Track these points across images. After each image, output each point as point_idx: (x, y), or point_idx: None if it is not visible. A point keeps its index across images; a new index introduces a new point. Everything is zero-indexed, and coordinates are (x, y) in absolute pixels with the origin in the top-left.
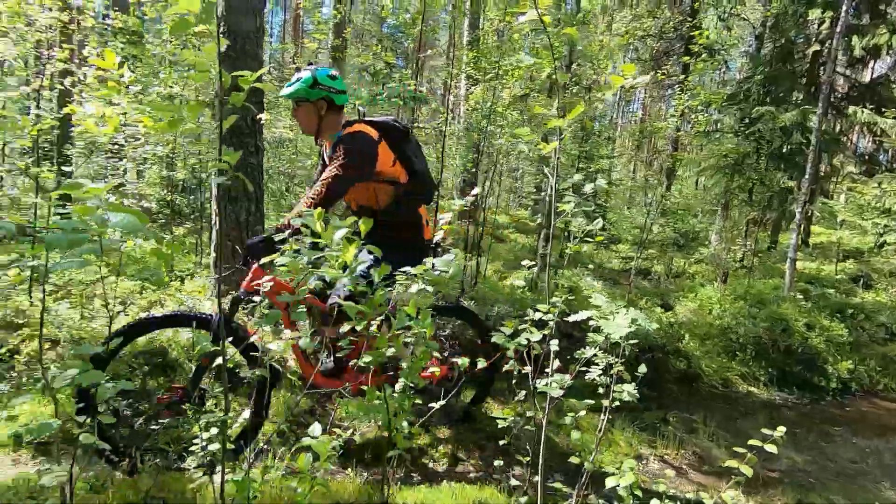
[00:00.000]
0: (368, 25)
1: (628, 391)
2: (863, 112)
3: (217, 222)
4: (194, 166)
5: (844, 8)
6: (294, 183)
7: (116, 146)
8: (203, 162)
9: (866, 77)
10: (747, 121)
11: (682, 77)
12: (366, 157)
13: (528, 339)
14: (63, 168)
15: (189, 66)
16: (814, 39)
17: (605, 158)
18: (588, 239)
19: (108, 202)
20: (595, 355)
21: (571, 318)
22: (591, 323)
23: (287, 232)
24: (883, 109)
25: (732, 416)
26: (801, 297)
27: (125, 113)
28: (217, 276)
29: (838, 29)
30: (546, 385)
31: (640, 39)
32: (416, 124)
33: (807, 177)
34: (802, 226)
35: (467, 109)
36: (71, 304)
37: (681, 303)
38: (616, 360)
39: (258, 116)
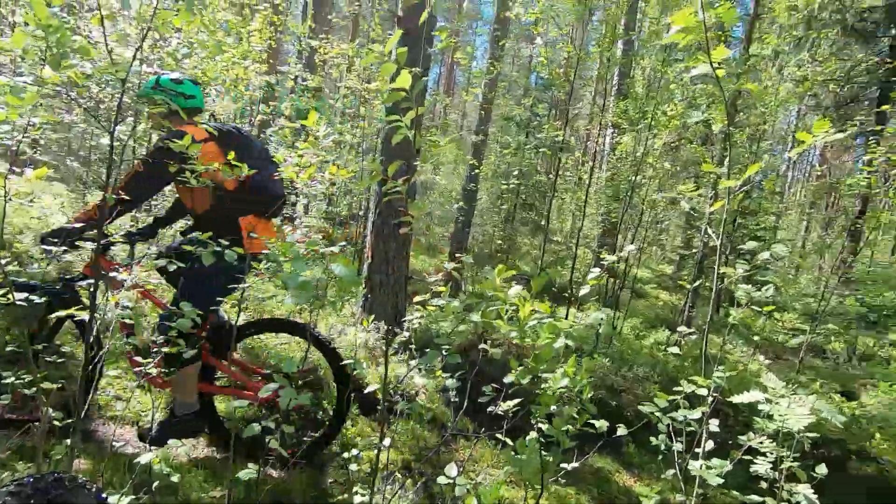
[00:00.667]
0: (516, 77)
1: (805, 495)
2: None
3: (369, 256)
4: (351, 203)
5: None
6: (434, 223)
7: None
8: (359, 198)
9: None
10: None
11: (878, 128)
12: (168, 155)
13: (685, 416)
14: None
15: (363, 117)
16: None
17: (770, 215)
18: (755, 308)
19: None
20: (761, 443)
21: (736, 399)
22: (760, 407)
23: (79, 226)
24: None
25: None
26: None
27: (325, 161)
28: (361, 305)
29: None
30: (701, 468)
31: (822, 84)
32: (560, 173)
33: None
34: None
35: (612, 158)
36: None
37: (868, 392)
38: (788, 453)
39: (413, 163)
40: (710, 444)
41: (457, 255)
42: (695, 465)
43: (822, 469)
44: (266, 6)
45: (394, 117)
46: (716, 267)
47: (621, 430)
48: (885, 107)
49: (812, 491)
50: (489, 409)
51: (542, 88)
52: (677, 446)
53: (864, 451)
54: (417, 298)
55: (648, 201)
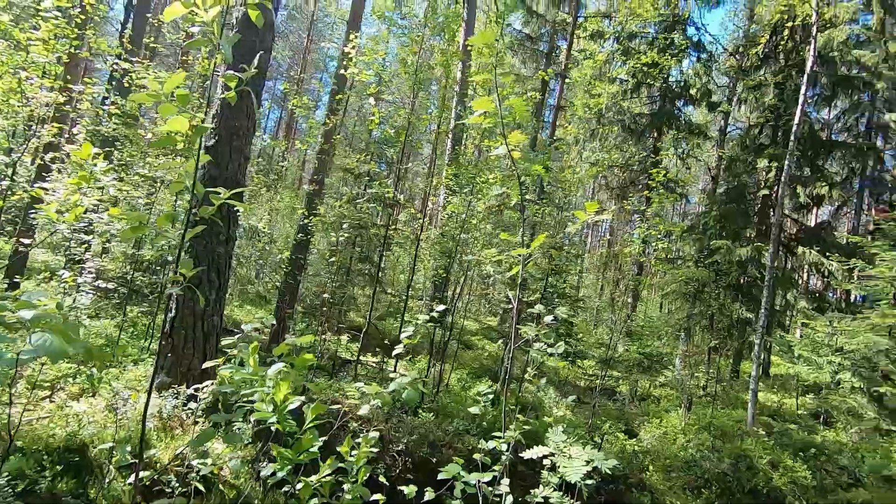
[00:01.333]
0: (358, 132)
1: None
2: (810, 253)
3: (173, 308)
4: (162, 246)
5: (787, 161)
6: (265, 271)
7: (85, 222)
8: (172, 247)
9: (812, 221)
10: (706, 252)
11: (643, 208)
12: None
13: (478, 480)
14: (22, 240)
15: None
16: (763, 184)
17: (573, 274)
18: (550, 356)
19: (37, 319)
20: (546, 498)
21: (527, 455)
22: (545, 462)
23: None
24: (827, 253)
25: None
26: (763, 432)
27: (101, 201)
28: (155, 364)
29: (783, 178)
30: None
31: (609, 169)
32: (392, 227)
33: (763, 310)
34: (763, 357)
35: (444, 217)
36: None
37: (645, 428)
38: (572, 501)
39: (235, 208)
40: (509, 501)
41: (284, 307)
42: None
43: None
44: (57, 15)
45: (204, 156)
46: (512, 326)
47: (428, 495)
48: (646, 192)
49: None
50: None
51: (379, 145)
52: None
53: (642, 482)
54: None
55: (473, 259)
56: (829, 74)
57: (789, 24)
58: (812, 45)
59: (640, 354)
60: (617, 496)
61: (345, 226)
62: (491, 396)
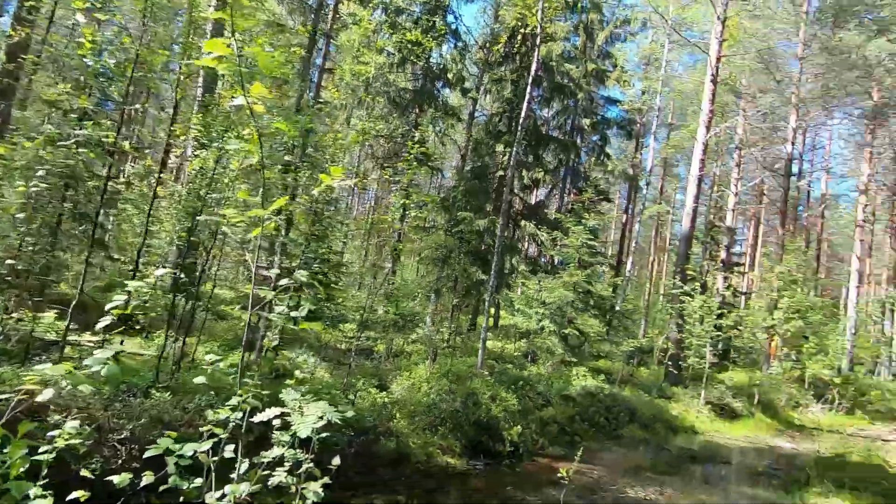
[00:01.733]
0: (68, 56)
1: (314, 490)
2: (530, 226)
3: None
4: None
5: (515, 148)
6: None
7: None
8: None
9: (533, 200)
10: (453, 222)
11: (400, 178)
12: None
13: (195, 451)
14: None
15: None
16: (500, 166)
17: (337, 240)
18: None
19: None
20: (283, 456)
21: (257, 419)
22: (275, 422)
23: None
24: (541, 226)
25: (432, 490)
26: (487, 373)
27: None
28: None
29: (512, 162)
30: (219, 500)
31: (375, 138)
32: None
33: (493, 272)
34: (493, 311)
35: (192, 172)
36: None
37: (397, 381)
38: (307, 456)
39: None
40: (245, 466)
41: None
42: (212, 497)
43: (336, 461)
44: None
45: None
46: (251, 289)
47: (147, 479)
48: (402, 163)
49: (321, 485)
50: None
51: (98, 77)
52: (196, 482)
53: (390, 429)
54: None
55: (218, 219)
56: (549, 80)
57: (522, 30)
58: (536, 53)
59: (397, 315)
60: (367, 446)
61: (40, 173)
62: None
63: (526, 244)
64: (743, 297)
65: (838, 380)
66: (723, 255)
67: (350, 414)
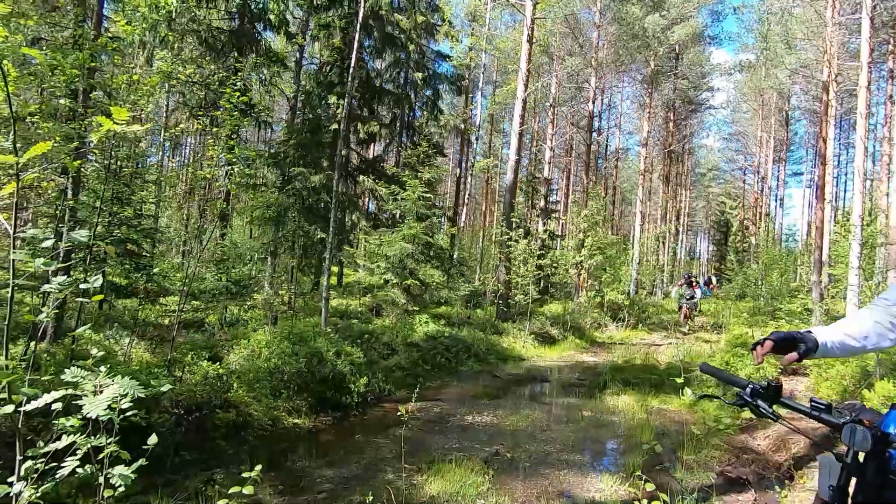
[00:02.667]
0: None
1: (121, 474)
2: (368, 181)
3: None
4: None
5: (347, 100)
6: None
7: None
8: None
9: (370, 154)
10: (286, 179)
11: (215, 129)
12: None
13: None
14: None
15: None
16: (334, 119)
17: (146, 202)
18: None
19: None
20: (75, 443)
21: (31, 406)
22: (54, 408)
23: None
24: (379, 181)
25: (280, 453)
26: (329, 330)
27: None
28: None
29: (345, 114)
30: None
31: (186, 84)
32: None
33: (331, 229)
34: (337, 269)
35: None
36: None
37: (234, 351)
38: (110, 440)
39: None
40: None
41: None
42: None
43: (152, 440)
44: None
45: None
46: (11, 258)
47: None
48: (216, 112)
49: (127, 468)
50: None
51: None
52: None
53: (228, 401)
54: None
55: None
56: (379, 29)
57: None
58: None
59: (229, 282)
60: (201, 422)
61: None
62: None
63: (366, 200)
64: (558, 240)
65: (627, 302)
66: (542, 203)
67: (166, 388)
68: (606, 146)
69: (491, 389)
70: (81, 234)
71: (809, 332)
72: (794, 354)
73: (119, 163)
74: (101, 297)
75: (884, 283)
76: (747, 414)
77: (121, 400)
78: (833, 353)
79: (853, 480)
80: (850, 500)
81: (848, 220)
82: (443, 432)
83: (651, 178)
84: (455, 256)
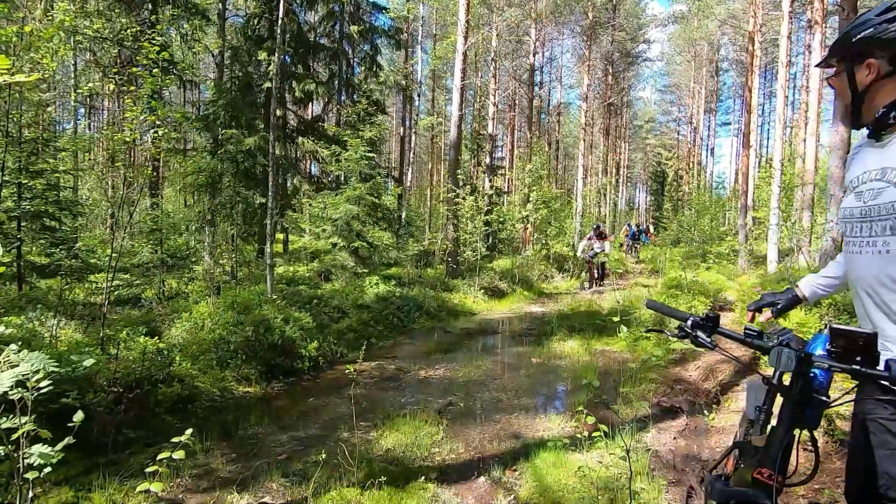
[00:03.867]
0: None
1: (39, 452)
2: (308, 142)
3: None
4: None
5: (278, 55)
6: None
7: None
8: None
9: (309, 115)
10: (217, 142)
11: (132, 88)
12: None
13: None
14: None
15: None
16: (266, 77)
17: (59, 173)
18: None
19: None
20: None
21: None
22: None
23: None
24: (319, 142)
25: (231, 422)
26: (275, 297)
27: None
28: None
29: (277, 71)
30: None
31: (96, 41)
32: None
33: (270, 194)
34: (282, 236)
35: None
36: None
37: (175, 325)
38: (25, 419)
39: None
40: None
41: None
42: None
43: (78, 416)
44: None
45: None
46: None
47: None
48: (134, 69)
49: (47, 446)
50: None
51: None
52: None
53: (171, 375)
54: None
55: None
56: None
57: None
58: None
59: (164, 254)
60: (143, 398)
61: None
62: None
63: (307, 162)
64: (504, 196)
65: (572, 253)
66: (487, 159)
67: (88, 363)
68: (549, 101)
69: (443, 344)
70: None
71: (790, 289)
72: (769, 312)
73: (20, 129)
74: (1, 269)
75: (800, 222)
76: (678, 345)
77: (33, 377)
78: (823, 294)
79: (778, 400)
80: (772, 418)
81: (770, 166)
82: (397, 389)
83: (592, 132)
84: (403, 216)
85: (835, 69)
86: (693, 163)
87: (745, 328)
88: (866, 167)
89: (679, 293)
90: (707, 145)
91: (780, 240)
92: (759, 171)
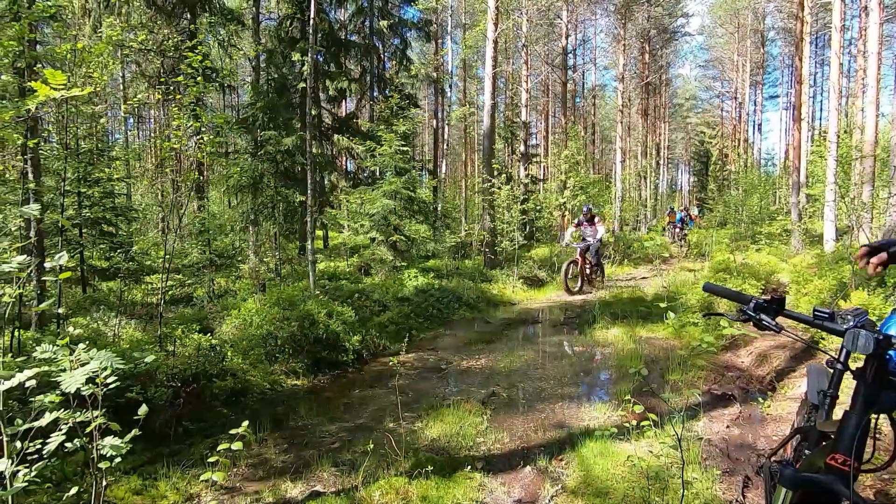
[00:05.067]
0: None
1: (110, 444)
2: (343, 139)
3: None
4: None
5: (311, 55)
6: None
7: None
8: None
9: (343, 112)
10: (257, 143)
11: (177, 97)
12: None
13: None
14: None
15: None
16: (300, 77)
17: (113, 181)
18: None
19: None
20: (59, 419)
21: (5, 386)
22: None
23: None
24: (354, 138)
25: (282, 414)
26: (318, 292)
27: None
28: None
29: (310, 71)
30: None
31: (140, 53)
32: None
33: (309, 191)
34: (321, 232)
35: None
36: None
37: (225, 322)
38: (97, 413)
39: None
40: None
41: None
42: None
43: (143, 409)
44: None
45: None
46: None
47: None
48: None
49: (117, 438)
50: None
51: None
52: None
53: (223, 370)
54: None
55: None
56: None
57: None
58: None
59: (212, 254)
60: (199, 392)
61: None
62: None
63: (344, 159)
64: (541, 184)
65: (612, 239)
66: (521, 147)
67: (149, 359)
68: (583, 84)
69: (484, 335)
70: (32, 209)
71: None
72: (884, 255)
73: (77, 140)
74: (67, 274)
75: (859, 197)
76: (729, 330)
77: (102, 374)
78: None
79: (845, 384)
80: (835, 402)
81: (824, 139)
82: (440, 379)
83: (629, 114)
84: (439, 209)
85: None
86: (739, 140)
87: (815, 309)
88: None
89: (727, 277)
90: (753, 121)
91: (837, 217)
92: (812, 146)
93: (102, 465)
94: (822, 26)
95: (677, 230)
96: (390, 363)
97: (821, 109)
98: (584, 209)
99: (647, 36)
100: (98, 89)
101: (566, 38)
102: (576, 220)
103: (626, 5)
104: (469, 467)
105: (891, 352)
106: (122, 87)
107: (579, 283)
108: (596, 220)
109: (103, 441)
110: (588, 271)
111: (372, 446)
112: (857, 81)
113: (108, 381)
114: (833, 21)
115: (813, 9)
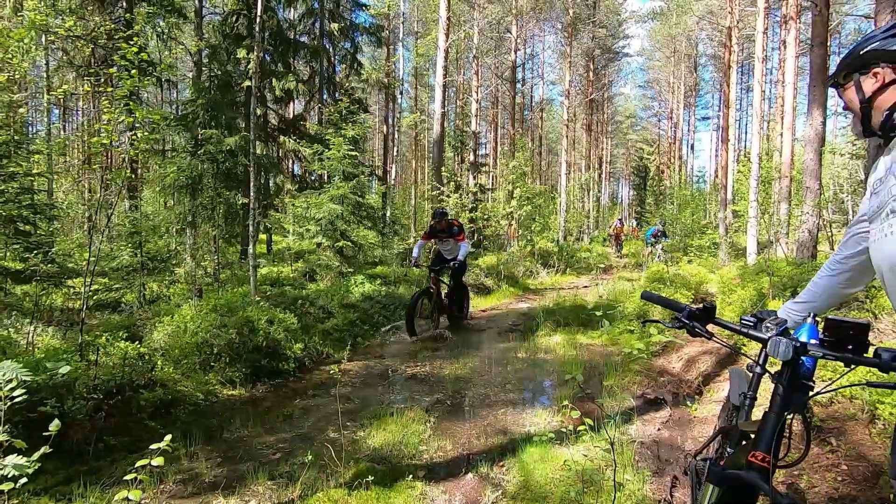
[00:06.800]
0: None
1: (12, 464)
2: (290, 141)
3: None
4: None
5: (257, 52)
6: None
7: None
8: None
9: (290, 113)
10: (197, 142)
11: (109, 90)
12: None
13: None
14: None
15: None
16: (246, 76)
17: (32, 175)
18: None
19: None
20: None
21: None
22: None
23: None
24: (301, 141)
25: (214, 427)
26: (259, 298)
27: None
28: None
29: (256, 69)
30: None
31: (68, 40)
32: None
33: (252, 194)
34: (265, 236)
35: None
36: None
37: (157, 329)
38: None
39: None
40: None
41: None
42: None
43: (53, 425)
44: None
45: None
46: None
47: None
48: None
49: (20, 457)
50: None
51: None
52: None
53: (152, 380)
54: None
55: None
56: None
57: None
58: None
59: (144, 256)
60: (124, 404)
61: None
62: None
63: (290, 162)
64: (489, 192)
65: (556, 249)
66: (471, 156)
67: (64, 370)
68: (531, 97)
69: (430, 342)
70: None
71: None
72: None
73: None
74: None
75: (777, 214)
76: (659, 338)
77: (6, 386)
78: (798, 319)
79: (764, 386)
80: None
81: (748, 160)
82: (385, 387)
83: (574, 128)
84: (388, 215)
85: (843, 85)
86: (674, 157)
87: (741, 318)
88: (878, 174)
89: (662, 286)
90: (687, 140)
91: (758, 232)
92: (737, 165)
93: (4, 487)
94: (747, 56)
95: (650, 247)
96: (332, 372)
97: (746, 132)
98: (436, 214)
99: (591, 55)
100: (17, 77)
101: (515, 52)
102: (424, 231)
103: (572, 24)
104: (411, 476)
105: (804, 357)
106: (45, 75)
107: (433, 323)
108: (456, 229)
109: (5, 460)
110: (446, 301)
111: (311, 457)
112: (776, 108)
113: (14, 394)
114: (756, 52)
115: (739, 39)
